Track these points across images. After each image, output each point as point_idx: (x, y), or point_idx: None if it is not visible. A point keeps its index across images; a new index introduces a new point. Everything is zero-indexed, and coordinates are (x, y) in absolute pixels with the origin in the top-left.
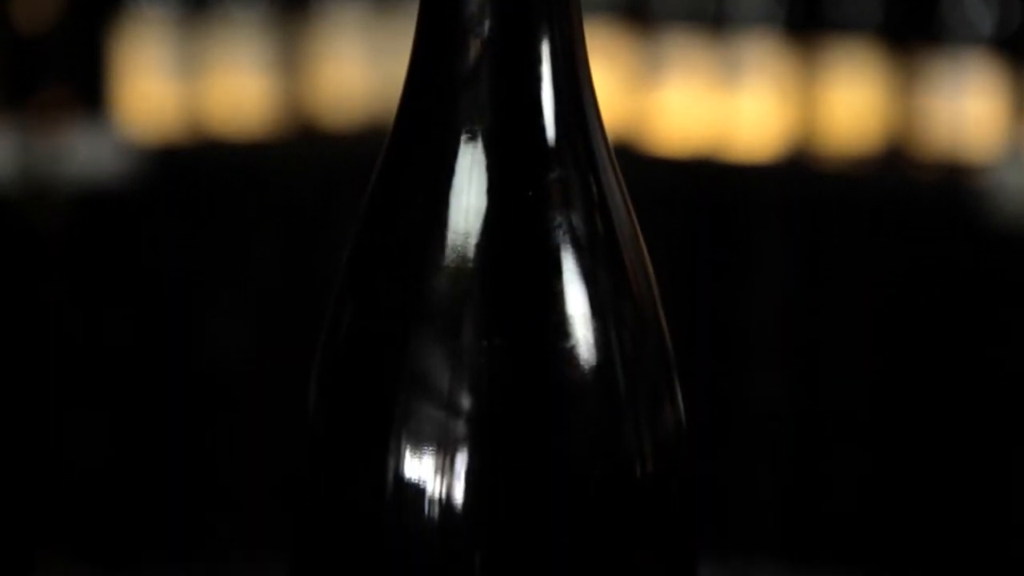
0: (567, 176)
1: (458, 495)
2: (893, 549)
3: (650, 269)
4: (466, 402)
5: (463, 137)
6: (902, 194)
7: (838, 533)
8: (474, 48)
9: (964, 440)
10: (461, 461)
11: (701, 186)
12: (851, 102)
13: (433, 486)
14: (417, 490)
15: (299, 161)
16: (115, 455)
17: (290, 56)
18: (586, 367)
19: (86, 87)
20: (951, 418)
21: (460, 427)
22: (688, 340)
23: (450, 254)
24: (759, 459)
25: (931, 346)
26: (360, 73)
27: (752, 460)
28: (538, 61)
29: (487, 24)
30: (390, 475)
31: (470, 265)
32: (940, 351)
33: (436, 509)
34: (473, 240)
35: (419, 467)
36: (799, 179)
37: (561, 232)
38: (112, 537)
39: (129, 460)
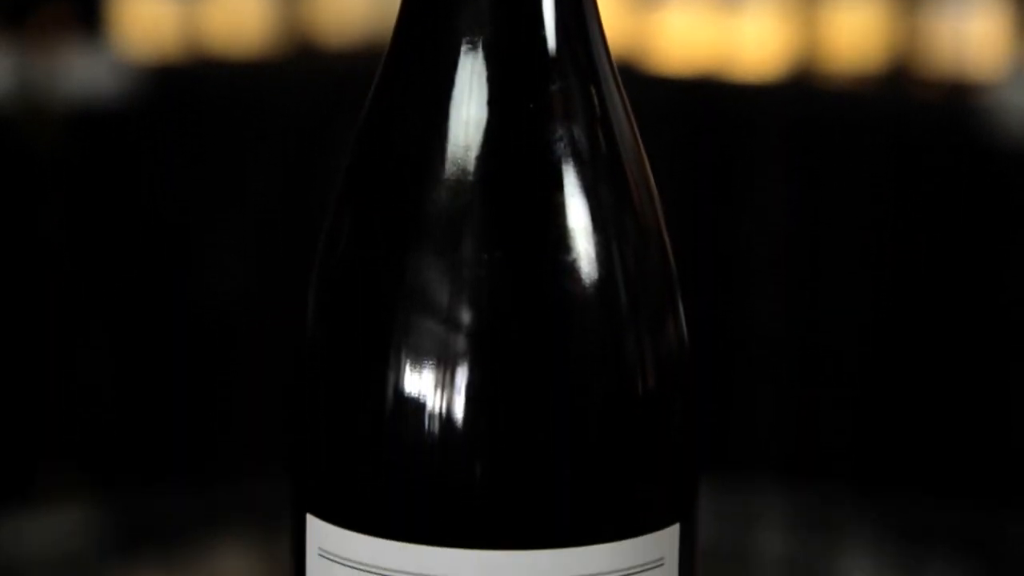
0: (569, 88)
1: (458, 410)
2: (894, 469)
3: (652, 183)
4: (466, 316)
5: (463, 48)
6: (906, 113)
7: (838, 452)
8: None
9: (966, 361)
10: (461, 375)
11: (703, 106)
12: (854, 21)
13: (433, 401)
14: (417, 405)
15: (297, 80)
16: (117, 375)
17: None
18: (587, 281)
19: (84, 6)
20: (953, 339)
21: (460, 341)
22: (689, 260)
23: (450, 167)
24: (760, 379)
25: (934, 266)
26: None
27: (753, 380)
28: None
29: None
30: (389, 390)
31: (470, 178)
32: (944, 271)
33: (436, 424)
34: (473, 152)
35: (419, 382)
36: (802, 98)
37: (562, 144)
38: (113, 456)
39: (130, 381)
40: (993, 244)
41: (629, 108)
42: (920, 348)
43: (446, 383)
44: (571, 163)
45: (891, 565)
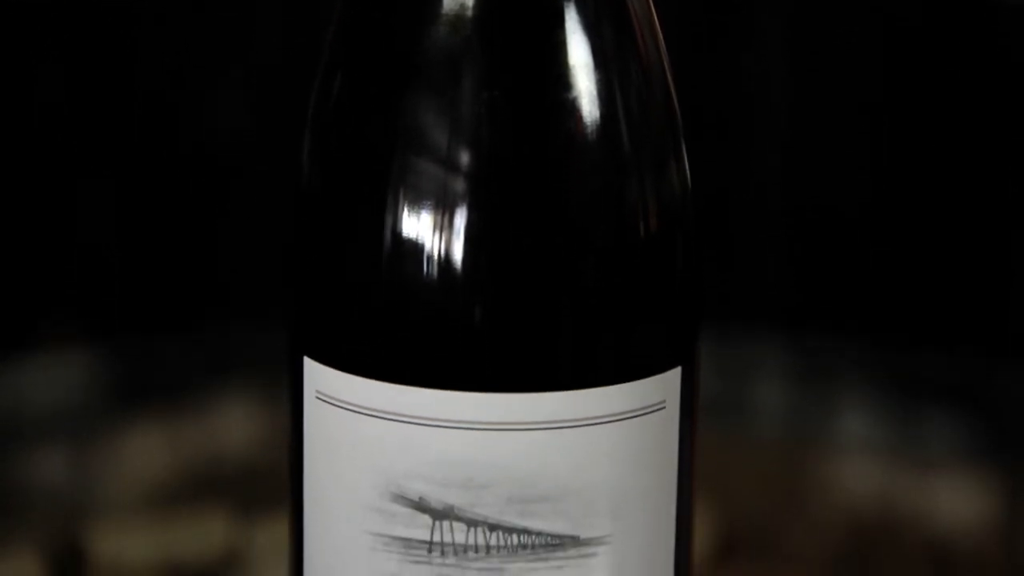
0: None
1: (457, 250)
2: (894, 320)
3: (655, 20)
4: (464, 156)
5: None
6: None
7: (838, 304)
8: None
9: (967, 211)
10: (460, 215)
11: None
12: None
13: (432, 242)
14: (415, 246)
15: None
16: (117, 223)
17: None
18: (588, 120)
19: None
20: (955, 187)
21: (458, 182)
22: (689, 104)
23: (448, 1)
24: (759, 229)
25: (938, 115)
26: None
27: (752, 230)
28: None
29: None
30: (387, 231)
31: (469, 13)
32: (947, 120)
33: (434, 265)
34: None
35: (417, 223)
36: None
37: None
38: (113, 305)
39: (130, 229)
40: (997, 94)
41: None
42: (921, 197)
43: (445, 223)
44: None
45: (889, 416)
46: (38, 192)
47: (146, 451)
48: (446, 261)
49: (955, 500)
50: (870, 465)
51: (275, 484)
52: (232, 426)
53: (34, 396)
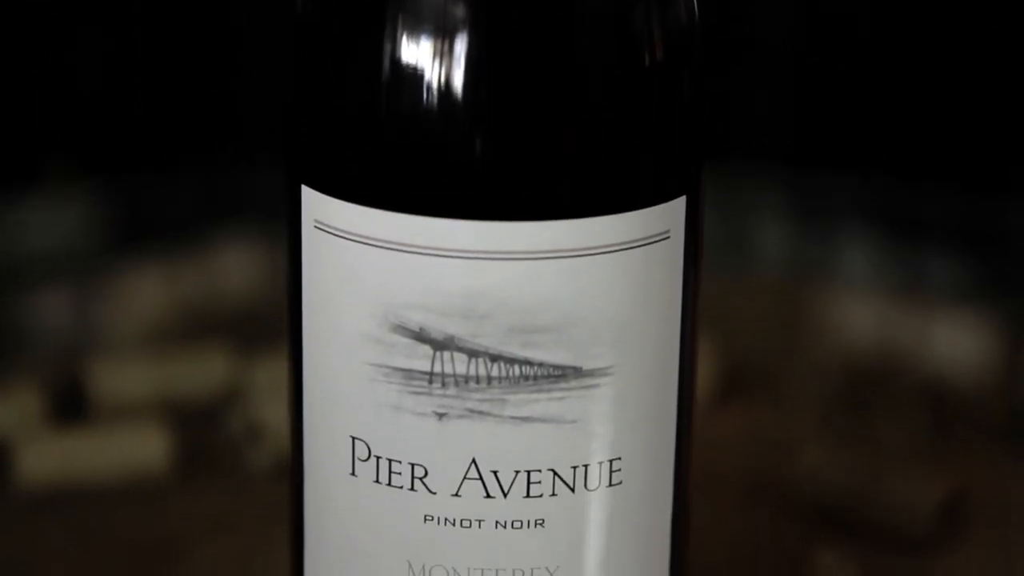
0: None
1: (458, 73)
2: (896, 160)
3: None
4: None
5: None
6: None
7: (839, 143)
8: None
9: (969, 46)
10: (461, 40)
11: None
12: None
13: (432, 65)
14: (415, 71)
15: None
16: (118, 64)
17: None
18: None
19: None
20: (959, 20)
21: (459, 8)
22: None
23: None
24: (761, 67)
25: None
26: None
27: (754, 68)
28: None
29: None
30: (387, 55)
31: None
32: None
33: (435, 89)
34: None
35: (417, 46)
36: None
37: None
38: (115, 147)
39: (131, 70)
40: None
41: None
42: (924, 32)
43: (446, 45)
44: None
45: (890, 255)
46: (41, 33)
47: (147, 290)
48: (446, 85)
49: (954, 340)
50: (870, 304)
51: (275, 323)
52: (232, 266)
53: (35, 235)
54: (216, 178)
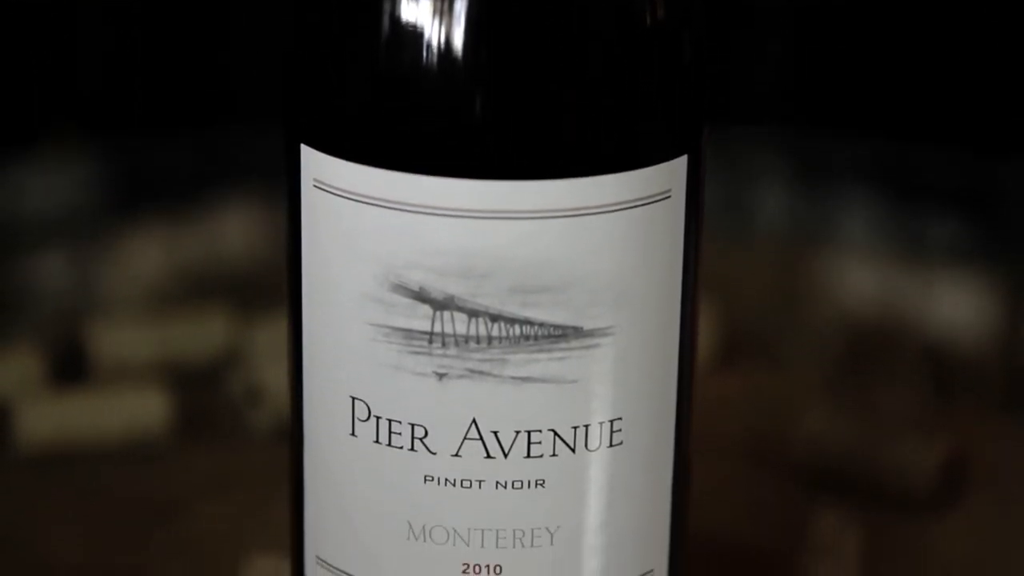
0: None
1: (457, 33)
2: (896, 120)
3: None
4: None
5: None
6: None
7: (840, 103)
8: None
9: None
10: (461, 1)
11: None
12: None
13: (432, 24)
14: (415, 28)
15: None
16: (118, 25)
17: None
18: None
19: None
20: None
21: None
22: None
23: None
24: (762, 26)
25: None
26: None
27: (755, 27)
28: None
29: None
30: (386, 13)
31: None
32: None
33: (435, 46)
34: None
35: (417, 8)
36: None
37: None
38: (116, 110)
39: (132, 32)
40: None
41: None
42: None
43: (447, 1)
44: None
45: (890, 216)
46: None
47: (147, 252)
48: (447, 42)
49: (954, 302)
50: (870, 267)
51: (275, 285)
52: (232, 228)
53: (35, 198)
54: (216, 141)
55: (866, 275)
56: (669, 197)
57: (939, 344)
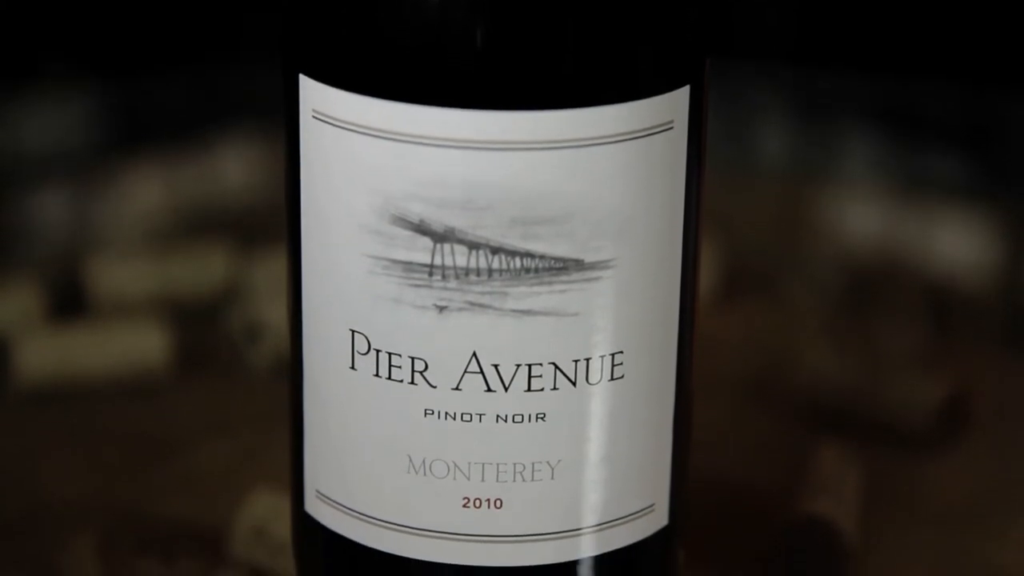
0: None
1: None
2: (897, 56)
3: None
4: None
5: None
6: None
7: (843, 39)
8: None
9: None
10: None
11: None
12: None
13: None
14: None
15: None
16: None
17: None
18: None
19: None
20: None
21: None
22: None
23: None
24: None
25: None
26: None
27: None
28: None
29: None
30: None
31: None
32: None
33: None
34: None
35: None
36: None
37: None
38: (113, 47)
39: None
40: None
41: None
42: None
43: None
44: None
45: (892, 153)
46: None
47: (146, 188)
48: None
49: (956, 239)
50: (872, 203)
51: (275, 222)
52: (232, 164)
53: (34, 134)
54: (215, 77)
55: (867, 212)
56: (672, 128)
57: (940, 281)
